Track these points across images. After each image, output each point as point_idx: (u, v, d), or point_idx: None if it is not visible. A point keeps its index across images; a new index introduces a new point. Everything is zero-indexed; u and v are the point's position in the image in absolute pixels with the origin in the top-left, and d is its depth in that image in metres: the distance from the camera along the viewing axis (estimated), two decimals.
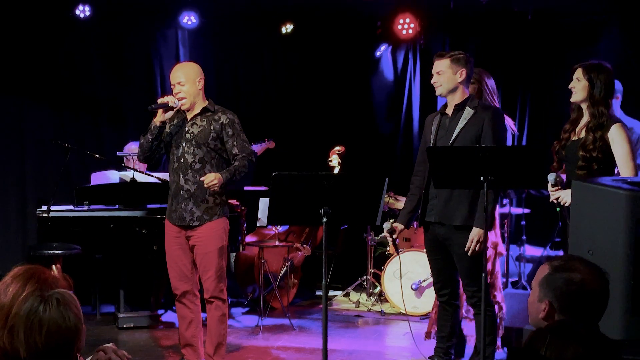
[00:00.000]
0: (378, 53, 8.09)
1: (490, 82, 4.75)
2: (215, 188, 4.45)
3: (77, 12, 7.09)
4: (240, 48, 8.00)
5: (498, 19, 7.47)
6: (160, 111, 4.55)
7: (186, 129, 4.57)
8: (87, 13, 7.12)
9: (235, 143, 4.55)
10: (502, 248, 4.96)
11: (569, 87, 4.13)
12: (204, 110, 4.59)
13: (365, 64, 8.10)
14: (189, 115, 4.60)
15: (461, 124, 4.21)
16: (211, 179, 4.42)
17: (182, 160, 4.56)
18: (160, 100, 4.60)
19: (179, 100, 4.54)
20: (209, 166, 4.53)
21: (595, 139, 3.98)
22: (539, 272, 2.31)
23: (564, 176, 4.18)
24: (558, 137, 4.26)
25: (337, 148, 6.77)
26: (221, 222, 4.59)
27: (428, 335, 5.09)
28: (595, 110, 4.02)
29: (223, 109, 4.64)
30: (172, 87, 4.61)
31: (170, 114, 4.58)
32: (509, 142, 4.75)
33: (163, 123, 4.58)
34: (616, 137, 3.95)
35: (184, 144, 4.56)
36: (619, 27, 7.02)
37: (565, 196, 3.94)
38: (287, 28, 7.88)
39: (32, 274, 2.07)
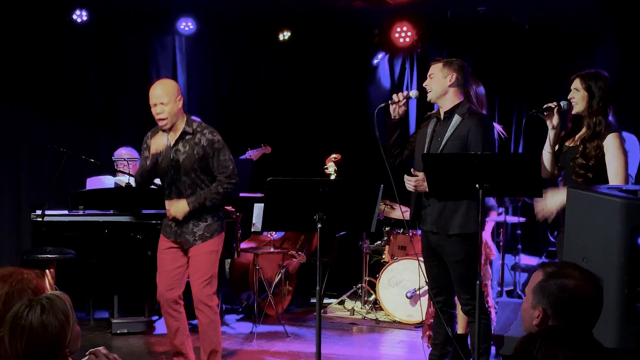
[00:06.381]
0: (375, 61, 8.11)
1: (479, 90, 4.73)
2: (178, 218, 4.52)
3: (75, 16, 7.08)
4: (238, 54, 8.01)
5: (495, 29, 7.48)
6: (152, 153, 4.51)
7: (171, 156, 4.51)
8: (85, 18, 7.11)
9: (215, 164, 4.52)
10: (494, 250, 4.90)
11: (568, 97, 4.12)
12: (184, 134, 4.49)
13: (363, 72, 8.11)
14: (172, 139, 4.51)
15: (449, 132, 4.18)
16: (175, 210, 4.50)
17: (172, 188, 4.56)
18: (152, 150, 4.48)
19: (159, 122, 4.46)
20: (199, 190, 4.52)
21: (592, 147, 3.97)
22: (532, 279, 2.30)
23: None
24: None
25: (334, 156, 6.76)
26: (219, 237, 4.65)
27: (430, 338, 5.05)
28: (591, 121, 4.02)
29: (201, 128, 4.51)
30: (152, 106, 4.46)
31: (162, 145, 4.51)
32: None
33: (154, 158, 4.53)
34: (611, 146, 3.94)
35: (172, 172, 4.53)
36: (614, 39, 7.03)
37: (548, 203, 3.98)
38: (285, 35, 7.90)
39: (2, 275, 2.06)
